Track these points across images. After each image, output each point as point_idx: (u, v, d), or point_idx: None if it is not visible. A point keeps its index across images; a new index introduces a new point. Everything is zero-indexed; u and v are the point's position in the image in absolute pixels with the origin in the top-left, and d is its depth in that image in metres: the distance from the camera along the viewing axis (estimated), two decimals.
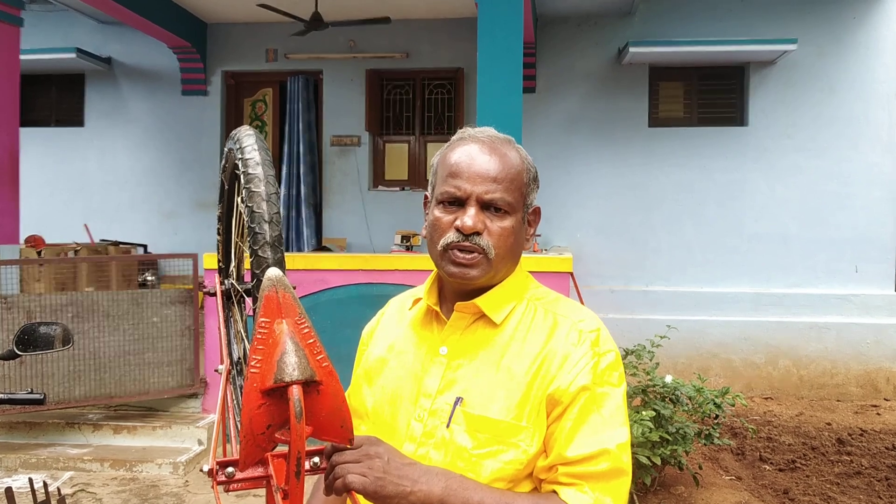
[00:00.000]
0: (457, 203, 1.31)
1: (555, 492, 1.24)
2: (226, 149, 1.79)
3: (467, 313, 1.35)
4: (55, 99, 9.41)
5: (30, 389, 4.46)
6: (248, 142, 1.63)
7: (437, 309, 1.39)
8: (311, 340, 1.02)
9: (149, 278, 7.28)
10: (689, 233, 8.25)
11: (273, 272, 1.03)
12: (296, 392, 0.96)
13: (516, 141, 1.42)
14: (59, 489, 3.85)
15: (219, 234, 2.08)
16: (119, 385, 5.40)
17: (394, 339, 1.46)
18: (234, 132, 1.74)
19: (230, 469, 1.10)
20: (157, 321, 5.52)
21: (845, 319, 7.74)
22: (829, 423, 6.50)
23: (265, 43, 8.91)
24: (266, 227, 1.52)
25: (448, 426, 1.28)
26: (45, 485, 3.18)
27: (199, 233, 8.91)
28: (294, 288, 1.05)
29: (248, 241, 1.55)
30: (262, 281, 1.58)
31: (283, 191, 8.88)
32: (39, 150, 9.06)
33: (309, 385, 1.00)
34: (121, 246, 8.40)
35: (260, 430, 1.02)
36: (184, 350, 5.62)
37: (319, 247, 8.71)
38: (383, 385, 1.41)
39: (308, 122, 8.93)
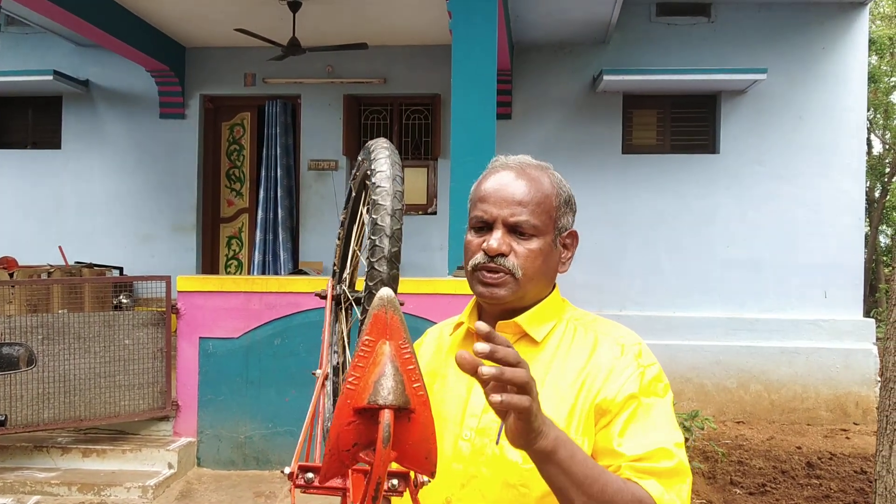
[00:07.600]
0: (486, 227, 1.36)
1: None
2: (359, 158, 1.82)
3: (508, 333, 1.37)
4: (32, 121, 9.38)
5: None
6: (383, 154, 1.66)
7: None
8: (412, 367, 0.99)
9: (123, 301, 7.21)
10: (662, 258, 8.33)
11: (385, 292, 1.00)
12: (387, 417, 0.94)
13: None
14: None
15: (338, 239, 2.11)
16: (89, 408, 5.35)
17: (435, 365, 1.47)
18: (370, 143, 1.74)
19: (310, 475, 1.12)
20: (128, 343, 5.48)
21: (815, 344, 7.82)
22: (799, 447, 6.56)
23: (243, 67, 8.95)
24: (386, 241, 1.54)
25: (497, 443, 1.29)
26: None
27: (176, 256, 8.88)
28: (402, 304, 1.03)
29: (367, 253, 1.55)
30: (373, 294, 1.56)
31: (259, 214, 8.89)
32: (15, 172, 9.04)
33: (401, 411, 0.97)
34: (95, 268, 8.34)
35: (346, 446, 1.00)
36: (156, 373, 5.58)
37: (296, 270, 8.70)
38: None
39: (286, 146, 8.96)
